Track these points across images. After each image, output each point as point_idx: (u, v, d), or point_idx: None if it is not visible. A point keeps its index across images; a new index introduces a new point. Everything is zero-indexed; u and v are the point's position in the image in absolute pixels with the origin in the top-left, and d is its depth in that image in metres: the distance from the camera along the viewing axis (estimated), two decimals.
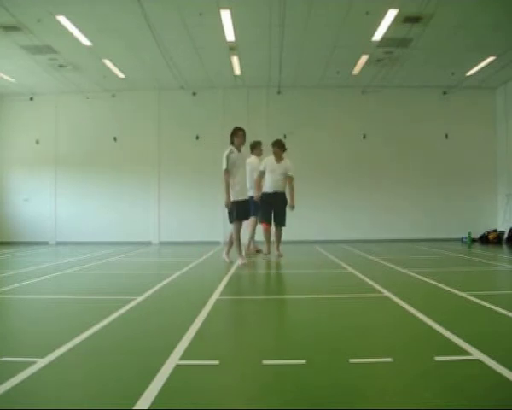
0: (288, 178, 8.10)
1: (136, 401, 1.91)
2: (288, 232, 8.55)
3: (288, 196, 8.10)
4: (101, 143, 13.43)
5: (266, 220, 8.10)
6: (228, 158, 7.02)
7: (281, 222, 8.16)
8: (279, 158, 8.12)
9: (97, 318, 3.41)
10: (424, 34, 9.46)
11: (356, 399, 1.98)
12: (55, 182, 13.48)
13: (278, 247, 8.21)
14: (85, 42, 9.67)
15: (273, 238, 8.24)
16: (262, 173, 8.09)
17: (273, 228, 8.18)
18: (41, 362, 2.41)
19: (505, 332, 3.09)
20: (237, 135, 7.14)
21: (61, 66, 11.23)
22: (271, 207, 8.06)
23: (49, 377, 2.24)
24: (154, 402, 1.91)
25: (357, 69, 11.69)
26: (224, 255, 7.63)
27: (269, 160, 8.14)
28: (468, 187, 13.26)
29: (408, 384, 2.14)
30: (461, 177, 13.27)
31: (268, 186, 8.08)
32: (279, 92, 13.26)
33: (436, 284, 5.04)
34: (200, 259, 8.29)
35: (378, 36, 9.54)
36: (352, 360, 2.43)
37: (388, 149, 13.28)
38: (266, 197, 8.04)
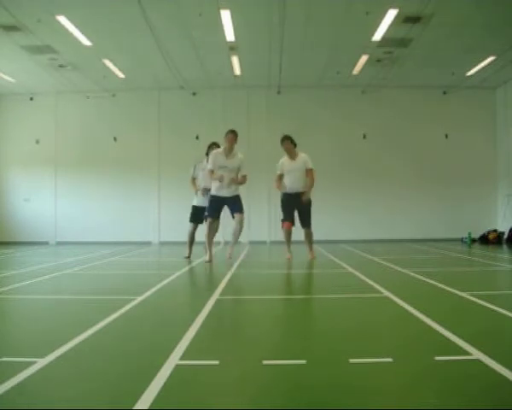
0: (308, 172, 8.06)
1: (135, 401, 1.91)
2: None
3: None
4: (101, 143, 13.44)
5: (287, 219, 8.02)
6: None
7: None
8: (293, 155, 7.89)
9: (97, 318, 3.40)
10: (424, 34, 9.46)
11: (356, 399, 1.97)
12: (55, 182, 13.49)
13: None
14: (85, 42, 9.68)
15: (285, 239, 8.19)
16: (280, 176, 7.92)
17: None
18: (41, 362, 2.40)
19: (505, 332, 3.09)
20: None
21: (60, 66, 11.23)
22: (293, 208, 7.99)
23: (49, 378, 2.24)
24: (153, 402, 1.90)
25: (357, 69, 11.69)
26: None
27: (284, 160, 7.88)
28: (468, 187, 13.26)
29: (408, 384, 2.14)
30: (461, 177, 13.27)
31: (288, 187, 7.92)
32: (279, 92, 13.26)
33: (436, 283, 5.03)
34: (200, 259, 8.28)
35: (378, 36, 9.55)
36: (352, 360, 2.43)
37: (388, 149, 13.29)
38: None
